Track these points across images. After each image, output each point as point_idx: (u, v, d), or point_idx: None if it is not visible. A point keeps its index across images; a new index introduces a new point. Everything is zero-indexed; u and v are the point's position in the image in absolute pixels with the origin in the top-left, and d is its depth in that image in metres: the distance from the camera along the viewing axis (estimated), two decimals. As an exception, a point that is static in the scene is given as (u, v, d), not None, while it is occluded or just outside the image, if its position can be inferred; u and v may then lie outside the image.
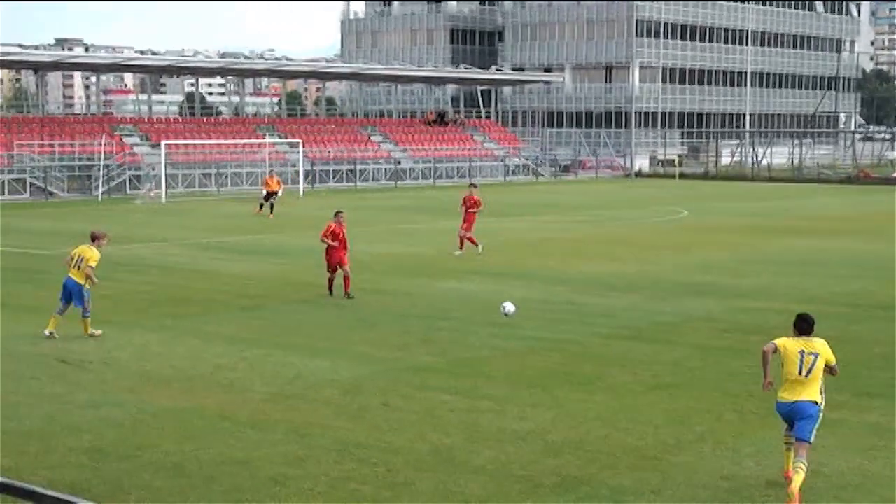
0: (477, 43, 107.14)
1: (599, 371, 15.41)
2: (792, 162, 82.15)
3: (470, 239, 29.31)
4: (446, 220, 40.72)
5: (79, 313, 17.58)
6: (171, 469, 11.02)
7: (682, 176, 76.74)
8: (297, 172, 60.22)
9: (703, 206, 48.19)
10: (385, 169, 69.25)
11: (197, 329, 18.50)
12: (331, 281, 21.94)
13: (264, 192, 44.33)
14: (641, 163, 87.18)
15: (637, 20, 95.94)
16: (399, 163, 70.12)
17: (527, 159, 78.42)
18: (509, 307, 18.43)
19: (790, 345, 10.49)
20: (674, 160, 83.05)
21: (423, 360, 16.17)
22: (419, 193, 59.40)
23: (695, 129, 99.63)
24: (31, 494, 5.28)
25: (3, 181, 53.72)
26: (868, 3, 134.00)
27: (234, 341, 17.40)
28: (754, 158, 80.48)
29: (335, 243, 21.91)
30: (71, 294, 17.49)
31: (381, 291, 22.92)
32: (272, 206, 42.83)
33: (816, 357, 10.41)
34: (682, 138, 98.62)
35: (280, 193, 44.41)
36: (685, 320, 19.56)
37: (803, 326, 10.58)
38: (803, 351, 10.41)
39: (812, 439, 10.30)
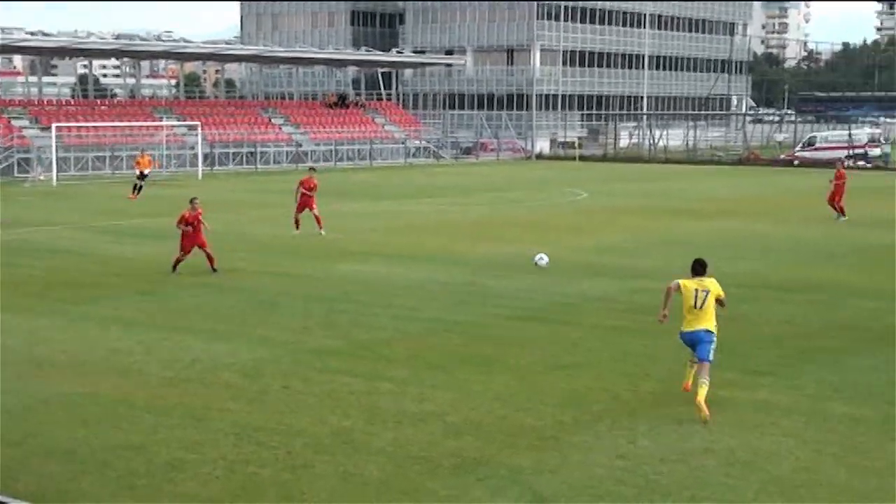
0: (378, 25, 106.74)
1: (499, 352, 15.53)
2: (687, 144, 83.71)
3: (317, 218, 29.79)
4: (348, 203, 40.57)
5: None
6: (62, 455, 10.80)
7: (582, 158, 77.63)
8: (195, 155, 59.34)
9: (602, 189, 48.82)
10: (286, 152, 68.67)
11: (91, 314, 18.14)
12: (178, 261, 22.64)
13: (137, 173, 44.32)
14: (542, 145, 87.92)
15: (538, 3, 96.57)
16: (300, 145, 69.58)
17: (427, 142, 78.48)
18: (542, 260, 19.99)
19: (688, 284, 12.86)
20: (574, 142, 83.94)
21: (323, 343, 16.11)
22: (320, 176, 58.87)
23: (594, 112, 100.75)
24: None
25: None
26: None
27: (130, 325, 17.11)
28: (651, 140, 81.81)
29: (188, 228, 22.71)
30: None
31: (281, 274, 22.75)
32: (141, 188, 42.82)
33: (707, 293, 12.78)
34: (582, 121, 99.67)
35: (149, 174, 44.62)
36: (583, 301, 19.81)
37: (697, 269, 13.05)
38: (697, 289, 12.78)
39: (711, 358, 12.58)
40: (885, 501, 9.88)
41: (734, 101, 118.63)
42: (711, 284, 12.87)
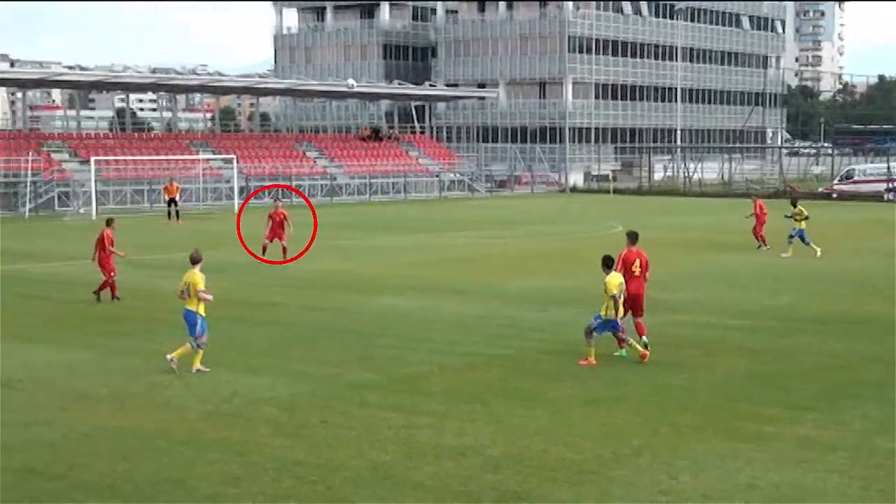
0: (410, 58, 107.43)
1: (538, 386, 15.49)
2: (722, 177, 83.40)
3: (284, 248, 31.20)
4: (383, 237, 40.70)
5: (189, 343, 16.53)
6: (104, 489, 10.86)
7: (617, 191, 77.51)
8: (231, 188, 59.80)
9: (637, 221, 48.56)
10: (321, 185, 69.05)
11: (130, 347, 18.27)
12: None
13: (167, 199, 46.39)
14: (576, 178, 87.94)
15: (569, 36, 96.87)
16: (335, 178, 69.97)
17: (462, 175, 78.68)
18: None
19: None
20: (608, 175, 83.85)
21: (361, 377, 16.13)
22: (355, 209, 59.29)
23: (628, 145, 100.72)
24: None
25: (-73, 198, 52.61)
26: (792, 20, 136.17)
27: (169, 359, 17.17)
28: (686, 173, 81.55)
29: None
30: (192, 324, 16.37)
31: (318, 308, 22.82)
32: (177, 212, 44.77)
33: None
34: (616, 153, 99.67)
35: (178, 199, 47.94)
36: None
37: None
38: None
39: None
40: (934, 539, 9.73)
41: (769, 133, 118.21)
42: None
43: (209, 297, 16.55)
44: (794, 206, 33.50)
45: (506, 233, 42.74)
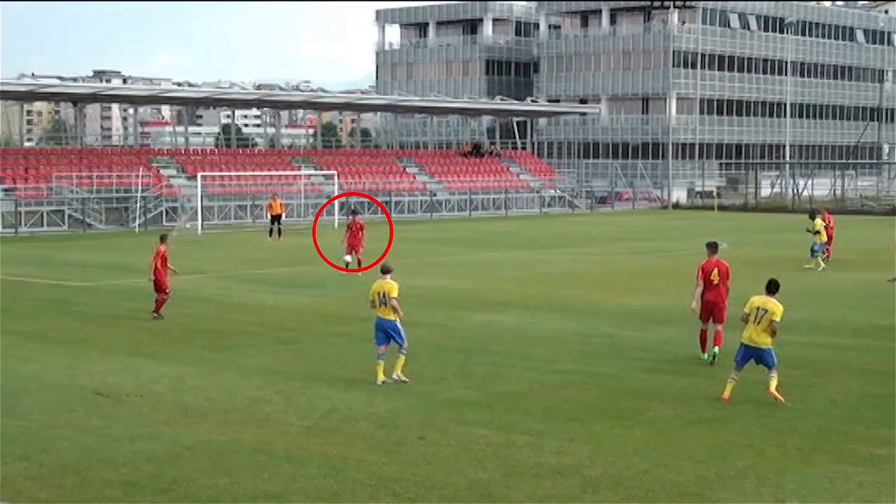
0: (512, 74, 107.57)
1: (638, 405, 15.31)
2: (834, 193, 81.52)
3: (360, 261, 31.55)
4: (482, 253, 40.75)
5: (394, 350, 16.93)
6: (206, 503, 11.03)
7: (721, 208, 76.35)
8: (332, 204, 60.50)
9: (744, 239, 47.86)
10: (421, 201, 69.46)
11: (233, 362, 18.58)
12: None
13: (269, 217, 46.85)
14: (679, 195, 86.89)
15: (674, 51, 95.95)
16: (435, 194, 70.32)
17: (563, 191, 78.39)
18: None
19: (754, 299, 15.72)
20: (712, 192, 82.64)
21: (459, 394, 16.14)
22: (455, 225, 59.49)
23: (733, 161, 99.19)
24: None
25: (42, 213, 54.42)
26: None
27: (270, 374, 17.45)
28: (795, 190, 79.91)
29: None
30: (388, 334, 16.75)
31: (416, 324, 22.87)
32: (280, 230, 45.26)
33: (766, 312, 15.54)
34: (721, 170, 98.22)
35: (284, 216, 48.17)
36: (725, 354, 19.35)
37: (770, 287, 15.99)
38: (759, 306, 15.59)
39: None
40: None
41: (885, 149, 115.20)
42: (773, 306, 15.58)
43: (402, 312, 16.89)
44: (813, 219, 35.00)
45: (606, 250, 42.42)
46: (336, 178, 61.16)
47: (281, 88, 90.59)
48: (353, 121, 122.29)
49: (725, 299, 18.79)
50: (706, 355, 18.53)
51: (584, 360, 18.88)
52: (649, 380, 17.17)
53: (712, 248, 19.30)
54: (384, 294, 16.72)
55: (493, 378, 17.23)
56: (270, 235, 45.85)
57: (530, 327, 22.44)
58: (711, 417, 14.63)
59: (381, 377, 16.71)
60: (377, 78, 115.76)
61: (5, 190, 55.01)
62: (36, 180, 56.73)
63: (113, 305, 25.79)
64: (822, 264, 34.23)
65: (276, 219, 46.51)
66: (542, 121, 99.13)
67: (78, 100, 69.80)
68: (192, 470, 12.14)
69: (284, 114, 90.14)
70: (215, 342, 20.55)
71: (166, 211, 57.95)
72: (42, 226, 53.72)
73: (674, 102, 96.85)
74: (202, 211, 54.44)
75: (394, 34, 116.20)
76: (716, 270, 18.72)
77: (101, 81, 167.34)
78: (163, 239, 24.65)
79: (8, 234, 51.28)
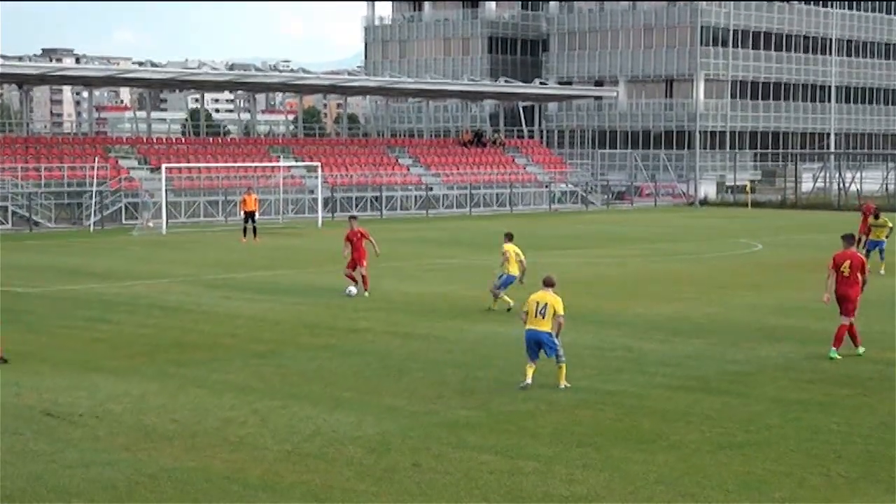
0: (518, 53, 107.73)
1: (660, 427, 15.34)
2: (886, 188, 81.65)
3: (364, 277, 29.03)
4: (484, 255, 40.77)
5: (551, 362, 17.92)
6: (172, 537, 11.06)
7: (756, 204, 76.51)
8: (315, 200, 60.59)
9: (782, 240, 47.98)
10: (415, 196, 69.56)
11: (202, 378, 18.61)
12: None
13: (242, 214, 46.46)
14: (707, 189, 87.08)
15: (702, 27, 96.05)
16: (431, 189, 70.43)
17: (575, 185, 78.52)
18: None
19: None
20: (745, 186, 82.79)
21: (459, 414, 16.17)
22: (454, 224, 59.56)
23: (770, 151, 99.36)
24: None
25: (-17, 210, 54.42)
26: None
27: (245, 392, 17.47)
28: (841, 184, 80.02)
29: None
30: (540, 345, 17.61)
31: (411, 335, 22.95)
32: (255, 229, 44.94)
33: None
34: (755, 161, 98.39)
35: (258, 214, 47.08)
36: (760, 369, 19.44)
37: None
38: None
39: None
40: None
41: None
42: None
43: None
44: (877, 218, 35.48)
45: (624, 252, 42.49)
46: (320, 170, 61.21)
47: (257, 69, 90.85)
48: (338, 105, 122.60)
49: (858, 293, 20.69)
50: (834, 353, 20.15)
51: (598, 376, 18.91)
52: (673, 398, 17.20)
53: (848, 240, 21.18)
54: (545, 306, 17.64)
55: (497, 397, 17.26)
56: (245, 235, 45.84)
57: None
58: (744, 442, 14.66)
59: (529, 378, 17.63)
60: (366, 57, 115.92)
61: (-63, 183, 55.01)
62: (-26, 172, 56.72)
63: (65, 314, 25.81)
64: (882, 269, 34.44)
65: (249, 216, 46.38)
66: (552, 106, 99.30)
67: (24, 81, 69.68)
68: (154, 500, 12.16)
69: (261, 97, 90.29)
70: (182, 356, 20.57)
71: (126, 207, 58.01)
72: (-17, 224, 53.73)
73: (701, 85, 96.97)
74: (167, 208, 54.47)
75: (385, 7, 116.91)
76: (847, 262, 20.48)
77: (50, 61, 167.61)
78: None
79: (-55, 233, 51.30)
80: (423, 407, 16.62)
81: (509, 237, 26.55)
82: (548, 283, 18.05)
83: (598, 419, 15.93)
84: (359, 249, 29.11)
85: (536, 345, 17.67)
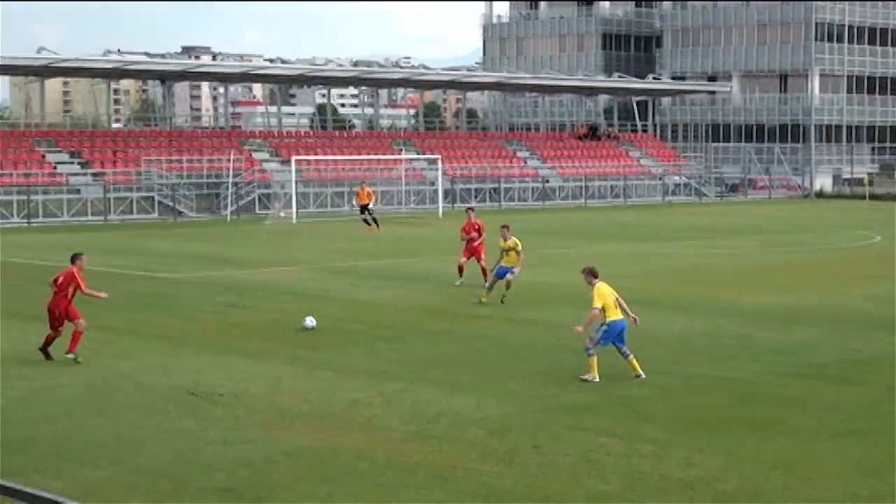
0: (632, 49, 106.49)
1: (776, 414, 15.10)
2: None
3: (484, 269, 27.75)
4: (599, 245, 40.54)
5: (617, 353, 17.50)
6: (306, 512, 11.23)
7: (873, 197, 74.57)
8: (435, 191, 60.82)
9: None
10: (532, 188, 69.36)
11: (331, 361, 18.84)
12: (49, 340, 18.71)
13: (358, 207, 46.75)
14: (823, 182, 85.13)
15: (816, 23, 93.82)
16: (547, 181, 70.16)
17: (688, 178, 77.49)
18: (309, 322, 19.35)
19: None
20: (863, 179, 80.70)
21: (576, 398, 16.13)
22: (569, 215, 59.28)
23: (888, 145, 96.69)
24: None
25: (132, 199, 55.87)
26: None
27: (371, 375, 17.64)
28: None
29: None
30: (621, 335, 17.43)
31: (529, 323, 22.93)
32: (374, 219, 45.00)
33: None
34: (873, 154, 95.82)
35: (371, 205, 47.23)
36: (878, 357, 19.00)
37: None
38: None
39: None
40: None
41: None
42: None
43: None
44: None
45: (739, 242, 41.84)
46: (440, 162, 61.39)
47: (380, 65, 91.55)
48: (458, 100, 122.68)
49: None
50: None
51: (712, 363, 18.68)
52: (788, 385, 16.92)
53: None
54: (617, 297, 17.51)
55: (612, 382, 17.16)
56: (369, 226, 46.02)
57: (652, 327, 22.20)
58: (863, 429, 14.36)
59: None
60: (484, 54, 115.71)
61: (94, 174, 56.61)
62: (125, 164, 58.29)
63: (205, 299, 26.34)
64: None
65: (364, 208, 46.69)
66: (666, 100, 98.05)
67: (166, 77, 71.40)
68: (290, 477, 12.34)
69: (384, 93, 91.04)
70: (312, 340, 20.85)
71: (259, 198, 58.95)
72: (132, 213, 55.21)
73: (816, 80, 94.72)
74: (297, 198, 55.16)
75: (502, 6, 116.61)
76: None
77: (189, 58, 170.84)
78: (74, 259, 18.98)
79: (97, 221, 52.78)
80: (541, 391, 16.62)
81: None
82: (596, 275, 17.79)
83: (711, 405, 15.76)
84: (475, 242, 28.37)
85: (621, 333, 17.32)
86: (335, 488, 11.94)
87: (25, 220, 51.73)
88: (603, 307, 17.17)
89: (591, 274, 17.65)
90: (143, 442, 13.71)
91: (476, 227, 28.62)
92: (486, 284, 25.75)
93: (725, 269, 32.80)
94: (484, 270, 27.93)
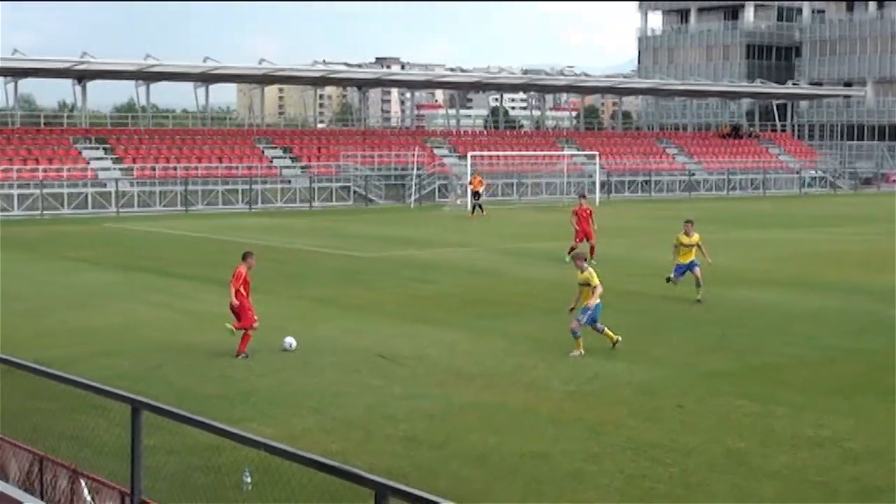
0: (773, 58, 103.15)
1: (903, 383, 14.47)
2: None
3: (592, 247, 28.41)
4: (740, 231, 39.50)
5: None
6: (476, 459, 11.31)
7: None
8: (593, 183, 60.28)
9: None
10: (679, 180, 68.06)
11: (502, 329, 18.89)
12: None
13: (471, 193, 46.52)
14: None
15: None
16: (693, 174, 68.71)
17: (824, 172, 74.68)
18: (288, 342, 16.50)
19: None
20: None
21: (716, 366, 15.80)
22: (712, 204, 57.88)
23: None
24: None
25: (332, 189, 57.25)
26: None
27: (536, 342, 17.63)
28: None
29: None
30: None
31: (674, 298, 22.54)
32: (480, 206, 44.67)
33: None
34: None
35: (482, 193, 46.90)
36: None
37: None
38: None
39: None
40: None
41: None
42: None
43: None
44: None
45: (870, 230, 40.13)
46: (598, 158, 60.83)
47: (546, 73, 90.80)
48: (614, 104, 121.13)
49: None
50: None
51: (845, 336, 18.03)
52: (916, 359, 16.17)
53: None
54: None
55: (750, 352, 16.75)
56: (472, 211, 45.91)
57: (788, 304, 21.61)
58: (981, 400, 13.63)
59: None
60: (639, 62, 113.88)
61: (302, 167, 58.28)
62: (327, 158, 59.71)
63: (393, 275, 26.72)
64: None
65: (475, 195, 46.83)
66: (804, 104, 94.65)
67: (363, 84, 72.62)
68: (463, 428, 12.45)
69: (549, 97, 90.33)
70: (485, 311, 20.95)
71: (438, 188, 59.48)
72: (331, 200, 56.54)
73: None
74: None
75: (656, 20, 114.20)
76: None
77: (382, 67, 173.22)
78: (245, 257, 16.91)
79: (304, 208, 54.26)
80: (685, 358, 16.35)
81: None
82: (585, 259, 17.91)
83: (844, 372, 15.24)
84: (586, 221, 29.09)
85: (596, 314, 16.73)
86: (502, 438, 12.00)
87: (247, 206, 53.49)
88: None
89: (582, 259, 17.49)
90: (340, 395, 14.02)
91: (588, 212, 29.32)
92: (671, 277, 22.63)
93: (858, 254, 31.54)
94: (592, 248, 28.33)
